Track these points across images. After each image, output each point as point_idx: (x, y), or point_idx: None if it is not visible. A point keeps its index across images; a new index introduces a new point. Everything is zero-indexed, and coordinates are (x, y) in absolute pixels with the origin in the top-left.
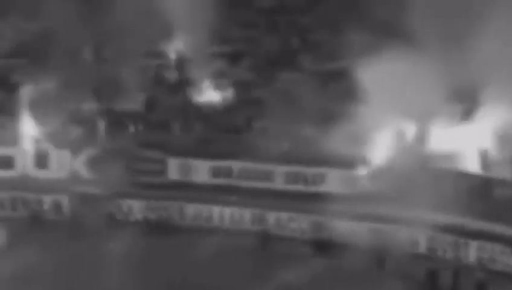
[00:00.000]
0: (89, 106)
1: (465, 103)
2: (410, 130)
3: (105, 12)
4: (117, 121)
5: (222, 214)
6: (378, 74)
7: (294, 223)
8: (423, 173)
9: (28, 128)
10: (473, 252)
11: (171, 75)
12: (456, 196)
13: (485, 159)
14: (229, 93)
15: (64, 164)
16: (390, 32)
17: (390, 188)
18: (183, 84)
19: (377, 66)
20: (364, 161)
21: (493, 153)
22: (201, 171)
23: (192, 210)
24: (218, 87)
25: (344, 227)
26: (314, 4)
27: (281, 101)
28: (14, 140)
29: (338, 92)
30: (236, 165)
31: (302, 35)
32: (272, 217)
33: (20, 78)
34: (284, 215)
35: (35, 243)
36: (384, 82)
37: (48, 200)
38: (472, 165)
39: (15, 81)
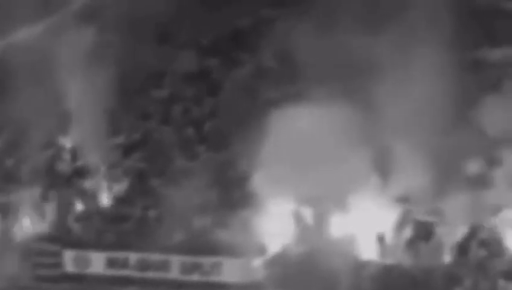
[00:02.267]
0: None
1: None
2: (308, 214)
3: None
4: (12, 214)
5: None
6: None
7: None
8: (320, 260)
9: None
10: None
11: (65, 167)
12: (354, 283)
13: (382, 244)
14: (124, 184)
15: None
16: None
17: (286, 276)
18: (78, 175)
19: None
20: (260, 249)
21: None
22: (97, 262)
23: None
24: (112, 178)
25: None
26: (207, 94)
27: (174, 191)
28: None
29: (232, 180)
30: (132, 256)
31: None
32: None
33: None
34: None
35: None
36: (279, 164)
37: None
38: (370, 251)
39: None
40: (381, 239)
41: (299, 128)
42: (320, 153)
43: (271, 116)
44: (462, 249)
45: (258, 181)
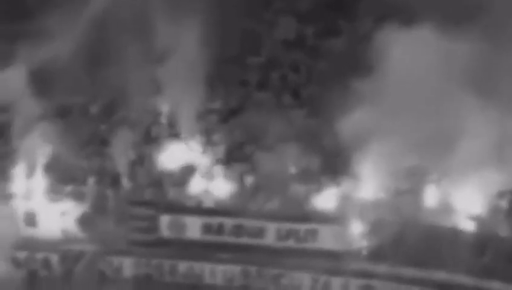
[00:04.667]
0: (80, 163)
1: None
2: (405, 185)
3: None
4: (108, 179)
5: (214, 271)
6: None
7: (285, 280)
8: (417, 230)
9: (19, 186)
10: None
11: (161, 131)
12: (451, 253)
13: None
14: (220, 150)
15: (55, 222)
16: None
17: (384, 244)
18: (174, 140)
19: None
20: (356, 217)
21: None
22: (192, 228)
23: (184, 267)
24: (208, 143)
25: (337, 284)
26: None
27: (271, 157)
28: (4, 197)
29: (330, 148)
30: (228, 222)
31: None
32: (265, 273)
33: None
34: (277, 272)
35: None
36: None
37: (39, 257)
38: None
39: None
40: (479, 210)
41: (400, 96)
42: (422, 122)
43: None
44: None
45: (357, 149)
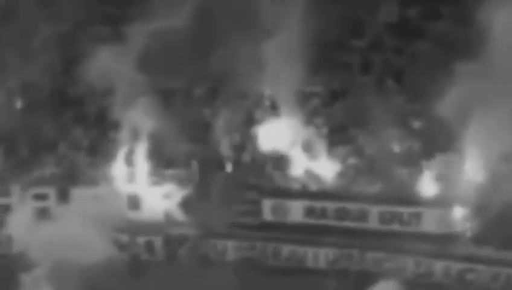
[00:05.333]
0: (183, 146)
1: None
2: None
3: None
4: (211, 162)
5: (316, 254)
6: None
7: (388, 263)
8: None
9: (122, 168)
10: None
11: (264, 115)
12: None
13: None
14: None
15: (158, 205)
16: None
17: (488, 227)
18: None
19: None
20: (458, 201)
21: None
22: (295, 211)
23: (287, 251)
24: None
25: (440, 267)
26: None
27: (373, 140)
28: (107, 180)
29: (431, 131)
30: (331, 205)
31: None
32: (368, 257)
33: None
34: (380, 255)
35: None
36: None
37: (141, 241)
38: None
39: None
40: None
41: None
42: None
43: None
44: None
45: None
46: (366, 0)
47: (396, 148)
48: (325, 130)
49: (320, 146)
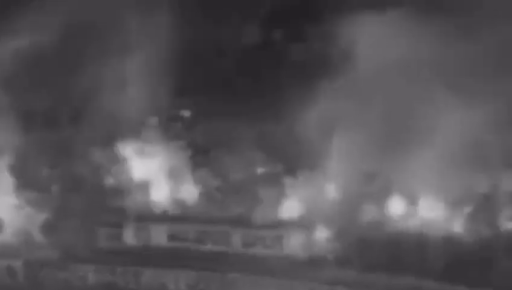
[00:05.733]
0: (45, 170)
1: None
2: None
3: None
4: (72, 186)
5: (177, 278)
6: None
7: (252, 287)
8: (382, 235)
9: None
10: None
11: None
12: (416, 258)
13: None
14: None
15: (19, 228)
16: None
17: (350, 250)
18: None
19: None
20: (320, 223)
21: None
22: (158, 235)
23: (148, 274)
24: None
25: None
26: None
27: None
28: None
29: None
30: (193, 229)
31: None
32: (229, 279)
33: None
34: (241, 278)
35: None
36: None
37: (2, 265)
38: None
39: None
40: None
41: (366, 97)
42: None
43: None
44: None
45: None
46: (230, 21)
47: (259, 170)
48: (188, 153)
49: (184, 169)
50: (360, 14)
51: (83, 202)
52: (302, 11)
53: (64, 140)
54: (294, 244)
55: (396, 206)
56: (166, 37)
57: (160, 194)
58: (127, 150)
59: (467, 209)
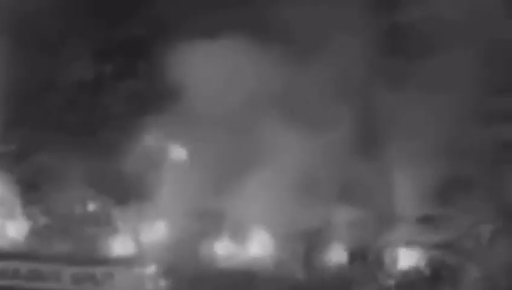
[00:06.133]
0: None
1: None
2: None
3: None
4: None
5: None
6: None
7: None
8: (213, 273)
9: None
10: None
11: None
12: None
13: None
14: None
15: None
16: None
17: (181, 287)
18: None
19: None
20: (151, 260)
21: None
22: None
23: None
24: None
25: None
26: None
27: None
28: None
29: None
30: (23, 266)
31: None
32: None
33: None
34: None
35: None
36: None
37: None
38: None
39: None
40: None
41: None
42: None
43: None
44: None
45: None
46: (61, 57)
47: (90, 206)
48: (17, 189)
49: (13, 205)
50: (191, 45)
51: None
52: (133, 47)
53: None
54: (125, 281)
55: (227, 243)
56: None
57: None
58: None
59: (299, 245)
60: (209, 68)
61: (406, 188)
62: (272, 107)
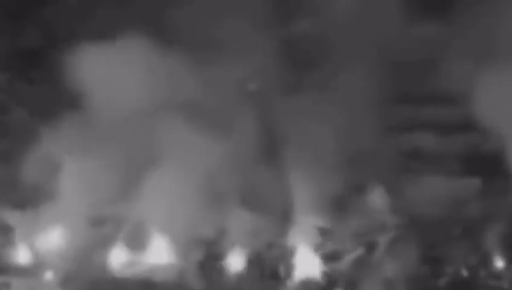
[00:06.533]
0: None
1: None
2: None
3: None
4: None
5: None
6: None
7: None
8: (109, 282)
9: None
10: None
11: None
12: None
13: None
14: None
15: None
16: None
17: None
18: None
19: None
20: (48, 269)
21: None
22: None
23: None
24: None
25: None
26: None
27: None
28: None
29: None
30: None
31: None
32: None
33: None
34: None
35: None
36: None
37: None
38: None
39: None
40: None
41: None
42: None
43: None
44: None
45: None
46: None
47: None
48: None
49: None
50: (86, 48)
51: None
52: (27, 55)
53: None
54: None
55: (126, 250)
56: None
57: None
58: None
59: (198, 253)
60: (107, 71)
61: (304, 196)
62: (173, 111)
